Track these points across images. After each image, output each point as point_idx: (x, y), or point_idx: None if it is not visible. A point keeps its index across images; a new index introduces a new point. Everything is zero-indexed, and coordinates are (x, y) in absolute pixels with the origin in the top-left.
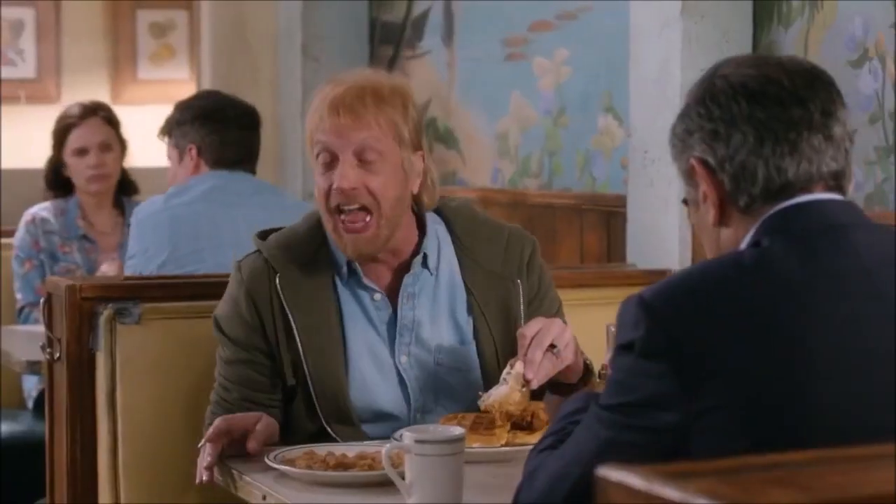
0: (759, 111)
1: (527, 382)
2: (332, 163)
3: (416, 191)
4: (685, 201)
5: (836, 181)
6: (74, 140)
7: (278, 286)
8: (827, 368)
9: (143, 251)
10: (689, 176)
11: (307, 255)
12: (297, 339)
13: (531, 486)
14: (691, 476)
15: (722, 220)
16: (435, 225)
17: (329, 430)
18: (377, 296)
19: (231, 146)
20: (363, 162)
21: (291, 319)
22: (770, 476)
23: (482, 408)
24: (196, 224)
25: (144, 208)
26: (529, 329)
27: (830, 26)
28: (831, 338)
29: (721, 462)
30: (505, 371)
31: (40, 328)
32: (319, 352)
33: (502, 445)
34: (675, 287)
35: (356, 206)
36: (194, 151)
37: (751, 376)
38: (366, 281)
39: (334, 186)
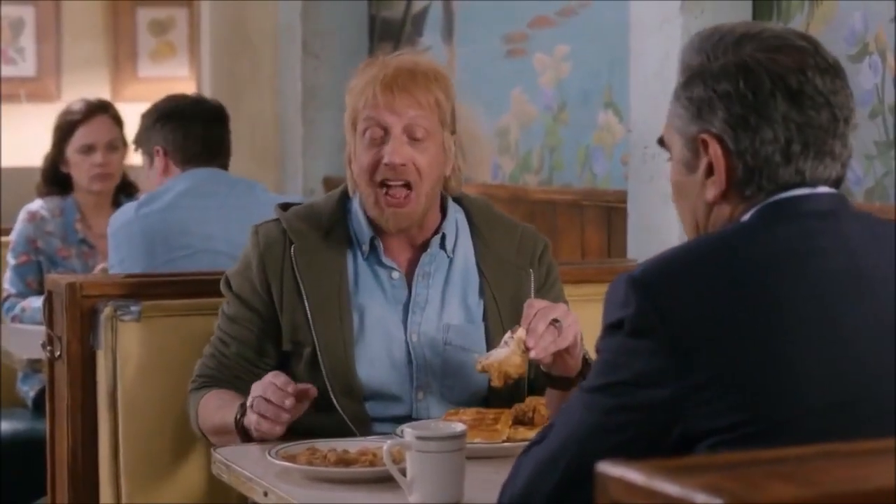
0: (795, 114)
1: (527, 350)
2: (381, 138)
3: (448, 173)
4: (661, 143)
5: (836, 186)
6: (81, 136)
7: (292, 254)
8: (814, 341)
9: (120, 262)
10: (693, 142)
11: (324, 230)
12: (306, 306)
13: (515, 481)
14: (692, 471)
15: (722, 200)
16: (455, 213)
17: (333, 399)
18: (395, 274)
19: (194, 140)
20: (412, 139)
21: (301, 286)
22: (772, 471)
23: (478, 369)
24: (169, 235)
25: (117, 218)
26: (537, 302)
27: (830, 21)
28: (819, 312)
29: (723, 457)
30: (506, 335)
31: (40, 327)
32: (327, 321)
33: (504, 441)
34: (663, 264)
35: (401, 182)
36: (161, 152)
37: (741, 348)
38: (385, 260)
39: (385, 161)
